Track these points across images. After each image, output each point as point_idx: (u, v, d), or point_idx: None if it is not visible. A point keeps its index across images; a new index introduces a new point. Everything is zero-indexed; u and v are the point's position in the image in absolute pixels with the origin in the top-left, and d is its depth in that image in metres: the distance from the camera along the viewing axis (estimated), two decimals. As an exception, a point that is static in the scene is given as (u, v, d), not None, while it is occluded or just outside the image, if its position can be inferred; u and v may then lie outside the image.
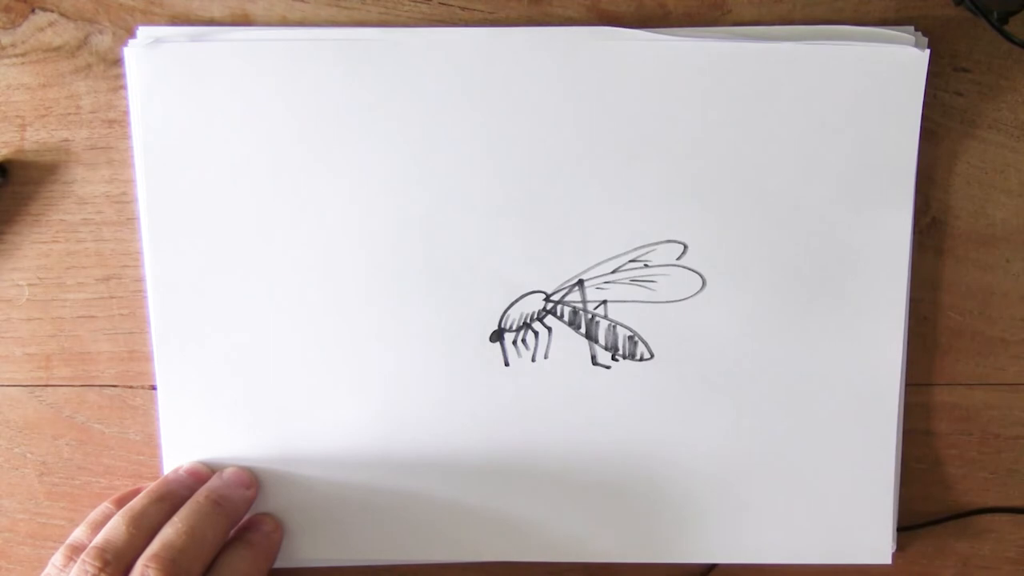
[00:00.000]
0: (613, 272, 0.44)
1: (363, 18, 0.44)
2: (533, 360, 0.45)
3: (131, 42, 0.43)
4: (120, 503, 0.43)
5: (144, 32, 0.44)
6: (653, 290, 0.44)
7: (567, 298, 0.44)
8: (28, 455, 0.47)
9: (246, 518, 0.45)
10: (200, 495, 0.43)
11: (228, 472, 0.45)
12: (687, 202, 0.44)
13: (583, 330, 0.45)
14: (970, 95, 0.44)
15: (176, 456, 0.45)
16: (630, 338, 0.45)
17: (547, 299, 0.45)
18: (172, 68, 0.43)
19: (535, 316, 0.45)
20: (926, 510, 0.47)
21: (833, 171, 0.43)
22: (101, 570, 0.39)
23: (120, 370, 0.46)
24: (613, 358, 0.45)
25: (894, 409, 0.45)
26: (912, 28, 0.43)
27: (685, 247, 0.44)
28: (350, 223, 0.44)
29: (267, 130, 0.44)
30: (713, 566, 0.47)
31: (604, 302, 0.45)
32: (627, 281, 0.44)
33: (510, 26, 0.44)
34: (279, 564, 0.46)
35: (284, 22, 0.44)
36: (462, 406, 0.45)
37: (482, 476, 0.45)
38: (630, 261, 0.44)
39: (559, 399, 0.45)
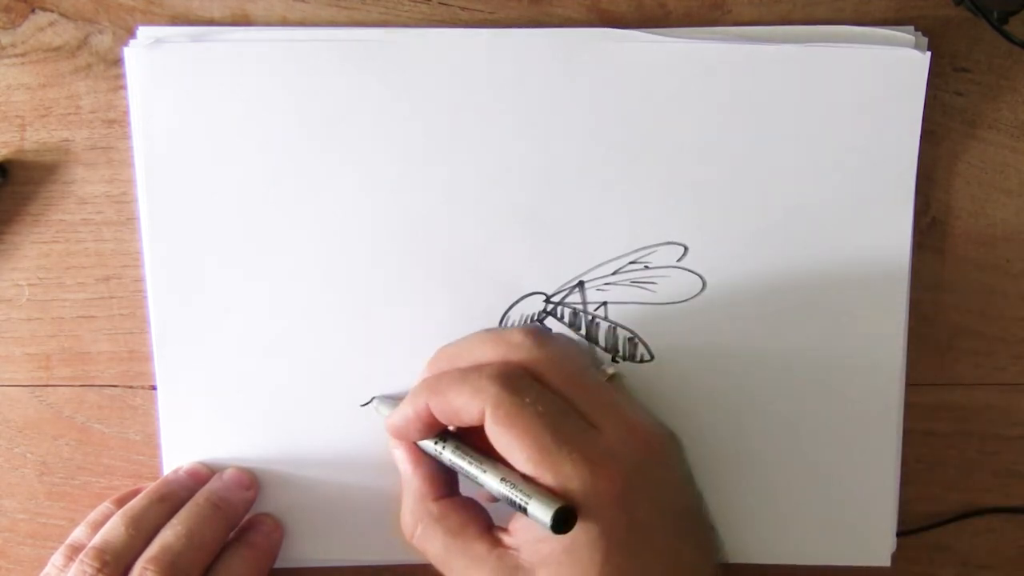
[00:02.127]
0: (613, 274, 0.44)
1: (363, 18, 0.44)
2: (533, 361, 0.45)
3: (131, 42, 0.43)
4: (120, 503, 0.44)
5: (144, 32, 0.44)
6: (653, 292, 0.44)
7: (567, 299, 0.44)
8: (28, 455, 0.47)
9: (246, 518, 0.45)
10: (200, 497, 0.43)
11: (228, 473, 0.45)
12: (687, 204, 0.44)
13: (583, 331, 0.45)
14: (970, 95, 0.44)
15: (176, 456, 0.45)
16: (630, 340, 0.45)
17: (547, 300, 0.45)
18: (172, 68, 0.43)
19: (535, 317, 0.45)
20: (926, 510, 0.47)
21: (833, 172, 0.43)
22: (99, 570, 0.39)
23: (120, 370, 0.46)
24: (613, 359, 0.45)
25: (894, 409, 0.45)
26: (912, 28, 0.43)
27: (686, 249, 0.44)
28: (349, 224, 0.44)
29: (267, 130, 0.44)
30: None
31: (604, 303, 0.44)
32: (627, 283, 0.44)
33: (510, 26, 0.44)
34: (279, 564, 0.45)
35: (284, 22, 0.44)
36: (462, 407, 0.45)
37: (482, 476, 0.45)
38: (630, 263, 0.44)
39: (559, 400, 0.45)
